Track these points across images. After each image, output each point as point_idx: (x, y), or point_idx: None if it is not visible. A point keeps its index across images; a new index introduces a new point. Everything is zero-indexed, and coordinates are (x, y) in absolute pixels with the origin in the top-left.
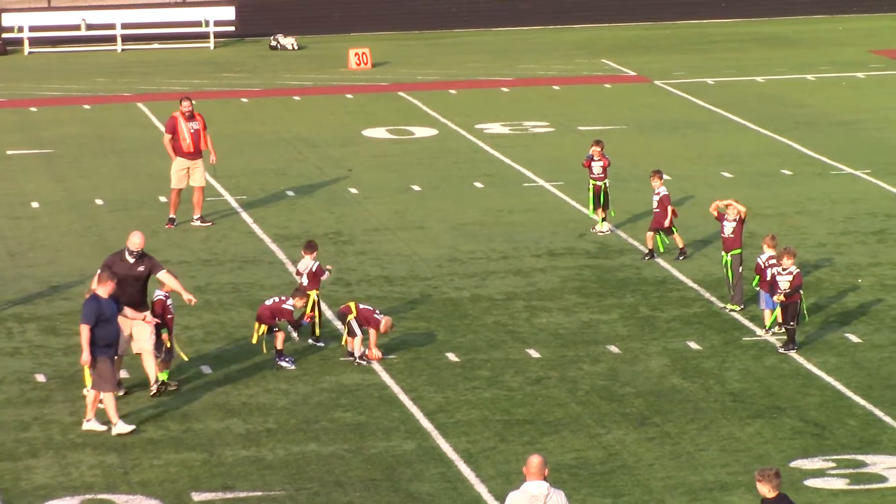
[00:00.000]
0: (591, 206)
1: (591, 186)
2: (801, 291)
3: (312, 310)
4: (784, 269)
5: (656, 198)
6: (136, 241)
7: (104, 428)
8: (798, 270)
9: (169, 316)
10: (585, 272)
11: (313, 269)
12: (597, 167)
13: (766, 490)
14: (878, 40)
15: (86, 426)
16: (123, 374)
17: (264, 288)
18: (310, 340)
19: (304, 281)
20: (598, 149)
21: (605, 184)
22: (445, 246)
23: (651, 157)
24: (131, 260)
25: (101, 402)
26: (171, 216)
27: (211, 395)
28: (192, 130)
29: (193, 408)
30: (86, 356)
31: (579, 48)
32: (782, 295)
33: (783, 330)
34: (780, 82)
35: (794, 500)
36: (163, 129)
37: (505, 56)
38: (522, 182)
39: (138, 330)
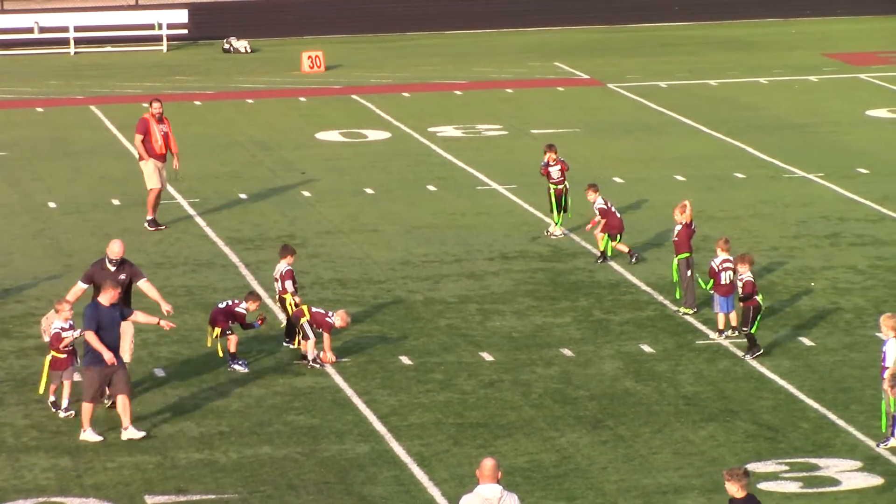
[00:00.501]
0: (554, 211)
1: (552, 191)
2: (758, 298)
3: (299, 308)
4: (740, 276)
5: (597, 210)
6: (115, 249)
7: (143, 434)
8: (750, 278)
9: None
10: (538, 275)
11: (283, 273)
12: (555, 172)
13: (735, 490)
14: (831, 43)
15: (125, 435)
16: (77, 377)
17: (217, 291)
18: (284, 342)
19: (280, 286)
20: (553, 154)
21: (565, 187)
22: (398, 249)
23: (604, 160)
24: (112, 268)
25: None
26: (149, 217)
27: (164, 397)
28: (163, 133)
29: (147, 411)
30: (108, 355)
31: (532, 51)
32: (738, 300)
33: (737, 333)
34: (733, 85)
35: None
36: (115, 131)
37: (458, 59)
38: (475, 185)
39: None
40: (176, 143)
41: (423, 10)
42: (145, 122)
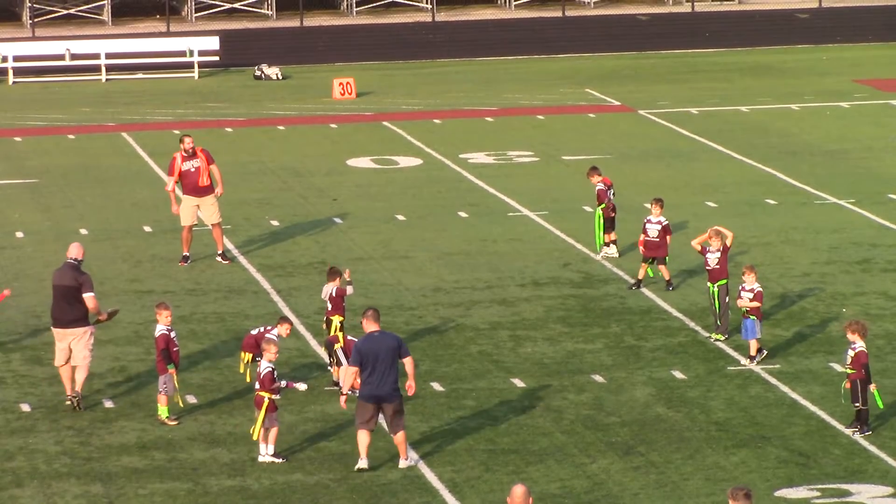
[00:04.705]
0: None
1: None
2: (865, 371)
3: (334, 334)
4: (851, 344)
5: (658, 227)
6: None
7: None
8: (863, 348)
9: (175, 349)
10: (570, 301)
11: (332, 294)
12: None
13: None
14: (862, 70)
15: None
16: (108, 403)
17: (249, 318)
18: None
19: (329, 306)
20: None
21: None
22: (430, 276)
23: (636, 186)
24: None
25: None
26: (184, 254)
27: (196, 424)
28: (193, 169)
29: (178, 437)
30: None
31: (563, 78)
32: (847, 370)
33: (764, 356)
34: (765, 112)
35: None
36: (146, 158)
37: (489, 86)
38: (507, 211)
39: (77, 345)
40: (212, 173)
41: (453, 36)
42: (172, 161)
